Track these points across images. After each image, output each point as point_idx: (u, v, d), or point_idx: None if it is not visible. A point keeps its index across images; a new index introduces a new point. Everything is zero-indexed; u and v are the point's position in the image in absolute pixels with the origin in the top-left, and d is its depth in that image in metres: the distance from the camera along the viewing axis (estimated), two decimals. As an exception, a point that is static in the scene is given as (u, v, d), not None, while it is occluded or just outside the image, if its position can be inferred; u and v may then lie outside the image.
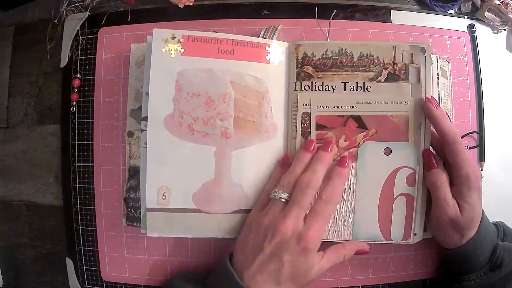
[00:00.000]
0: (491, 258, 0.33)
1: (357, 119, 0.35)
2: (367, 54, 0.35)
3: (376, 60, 0.35)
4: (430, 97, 0.34)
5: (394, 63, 0.35)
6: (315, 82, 0.35)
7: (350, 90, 0.35)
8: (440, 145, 0.34)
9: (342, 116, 0.35)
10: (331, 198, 0.31)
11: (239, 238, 0.33)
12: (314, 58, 0.36)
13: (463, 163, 0.32)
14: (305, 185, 0.31)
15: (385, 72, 0.35)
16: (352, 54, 0.35)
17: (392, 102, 0.35)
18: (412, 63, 0.35)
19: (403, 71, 0.35)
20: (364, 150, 0.35)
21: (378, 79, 0.35)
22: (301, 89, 0.36)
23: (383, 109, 0.35)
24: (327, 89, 0.35)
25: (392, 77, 0.35)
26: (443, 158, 0.35)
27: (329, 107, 0.35)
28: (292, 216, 0.30)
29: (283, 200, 0.31)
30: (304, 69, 0.36)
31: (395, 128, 0.34)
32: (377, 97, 0.35)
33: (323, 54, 0.36)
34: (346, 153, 0.34)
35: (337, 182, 0.32)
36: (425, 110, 0.34)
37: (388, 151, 0.34)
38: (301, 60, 0.36)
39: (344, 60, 0.35)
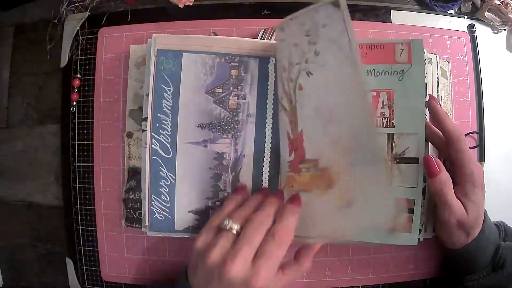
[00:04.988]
0: (493, 258, 0.33)
1: None
2: None
3: None
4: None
5: None
6: None
7: None
8: (442, 144, 0.34)
9: None
10: (283, 240, 0.29)
11: (190, 261, 0.31)
12: None
13: (468, 161, 0.32)
14: (259, 224, 0.29)
15: None
16: None
17: None
18: None
19: None
20: None
21: None
22: None
23: None
24: None
25: None
26: (444, 156, 0.35)
27: None
28: (240, 257, 0.27)
29: (234, 231, 0.29)
30: None
31: None
32: None
33: None
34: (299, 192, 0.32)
35: (291, 222, 0.30)
36: (430, 108, 0.34)
37: None
38: None
39: None
